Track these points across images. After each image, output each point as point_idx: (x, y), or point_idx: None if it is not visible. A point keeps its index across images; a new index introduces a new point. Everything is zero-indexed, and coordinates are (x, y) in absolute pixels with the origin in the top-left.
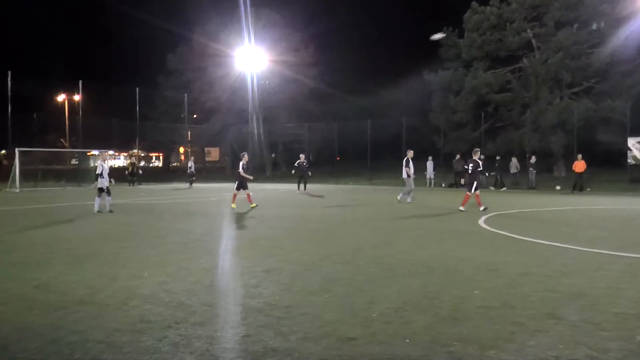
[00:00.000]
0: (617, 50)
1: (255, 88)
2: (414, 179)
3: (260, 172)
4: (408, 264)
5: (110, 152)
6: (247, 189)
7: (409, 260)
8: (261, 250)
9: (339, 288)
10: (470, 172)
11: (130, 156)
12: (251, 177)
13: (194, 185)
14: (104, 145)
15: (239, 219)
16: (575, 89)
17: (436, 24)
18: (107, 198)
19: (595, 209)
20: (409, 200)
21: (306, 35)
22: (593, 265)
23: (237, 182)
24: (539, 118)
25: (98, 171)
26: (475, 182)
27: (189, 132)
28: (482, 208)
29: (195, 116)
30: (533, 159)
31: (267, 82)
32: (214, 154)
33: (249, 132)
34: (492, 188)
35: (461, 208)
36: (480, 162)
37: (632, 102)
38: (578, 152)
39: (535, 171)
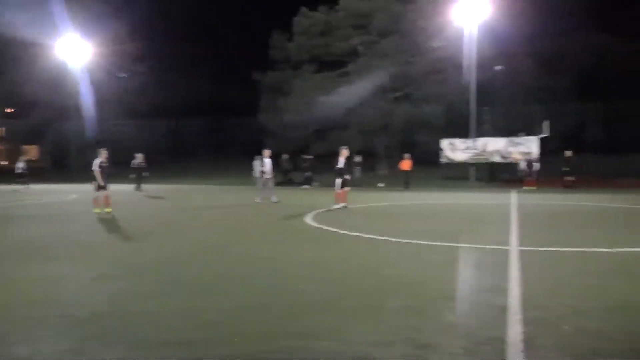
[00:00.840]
0: (433, 61)
1: (79, 82)
2: (270, 178)
3: (87, 172)
4: (241, 264)
5: None
6: (106, 190)
7: (241, 259)
8: (93, 254)
9: (174, 291)
10: (338, 170)
11: None
12: (102, 183)
13: (23, 186)
14: None
15: (73, 221)
16: (397, 94)
17: (267, 25)
18: None
19: (414, 204)
20: (258, 200)
21: (134, 27)
22: (411, 255)
23: (96, 183)
24: (364, 120)
25: None
26: (341, 179)
27: (3, 128)
28: (338, 205)
29: (10, 110)
30: (358, 158)
31: (92, 76)
32: (32, 152)
33: (73, 129)
34: (305, 187)
35: (342, 204)
36: (342, 160)
37: (445, 108)
38: (400, 152)
39: (360, 169)
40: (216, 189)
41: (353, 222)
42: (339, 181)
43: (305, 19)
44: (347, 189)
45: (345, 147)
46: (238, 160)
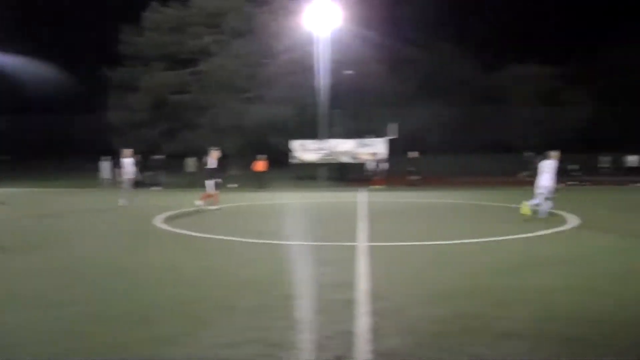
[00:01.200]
0: (284, 63)
1: None
2: (129, 179)
3: None
4: (90, 272)
5: None
6: None
7: (90, 267)
8: None
9: (19, 306)
10: (209, 171)
11: None
12: None
13: None
14: None
15: None
16: (249, 95)
17: (116, 20)
18: None
19: (267, 204)
20: (122, 202)
21: None
22: (262, 255)
23: None
24: (216, 120)
25: None
26: (213, 181)
27: None
28: (202, 203)
29: None
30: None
31: None
32: None
33: None
34: (153, 188)
35: (216, 206)
36: (213, 161)
37: (296, 110)
38: (253, 153)
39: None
40: (61, 192)
41: (205, 223)
42: (210, 182)
43: (155, 14)
44: (217, 190)
45: (216, 148)
46: (81, 160)
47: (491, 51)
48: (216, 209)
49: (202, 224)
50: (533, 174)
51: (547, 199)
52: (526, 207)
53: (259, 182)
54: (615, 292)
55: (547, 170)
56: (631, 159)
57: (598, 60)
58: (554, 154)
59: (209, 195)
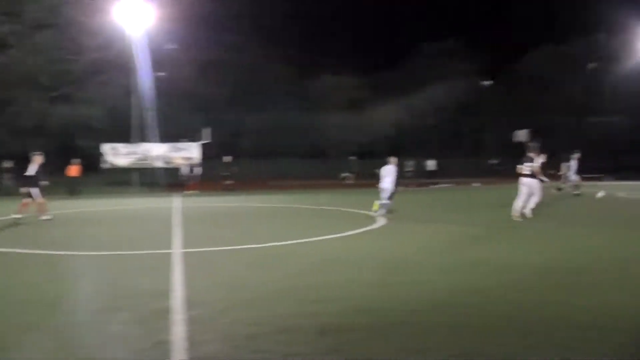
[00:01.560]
0: (94, 61)
1: None
2: None
3: None
4: None
5: None
6: None
7: None
8: None
9: None
10: (30, 178)
11: None
12: None
13: None
14: None
15: None
16: (55, 94)
17: None
18: None
19: (79, 211)
20: None
21: None
22: (71, 268)
23: None
24: (16, 120)
25: None
26: (37, 188)
27: None
28: (17, 215)
29: None
30: (9, 164)
31: None
32: None
33: None
34: None
35: (18, 215)
36: (34, 167)
37: (107, 111)
38: (59, 157)
39: (12, 176)
40: None
41: (4, 236)
42: (36, 191)
43: None
44: (28, 200)
45: (39, 152)
46: None
47: (307, 60)
48: (20, 217)
49: (1, 237)
50: (356, 177)
51: (387, 199)
52: (376, 205)
53: (71, 188)
54: (418, 282)
55: (388, 174)
56: (430, 163)
57: (403, 73)
58: (393, 159)
59: (41, 203)
